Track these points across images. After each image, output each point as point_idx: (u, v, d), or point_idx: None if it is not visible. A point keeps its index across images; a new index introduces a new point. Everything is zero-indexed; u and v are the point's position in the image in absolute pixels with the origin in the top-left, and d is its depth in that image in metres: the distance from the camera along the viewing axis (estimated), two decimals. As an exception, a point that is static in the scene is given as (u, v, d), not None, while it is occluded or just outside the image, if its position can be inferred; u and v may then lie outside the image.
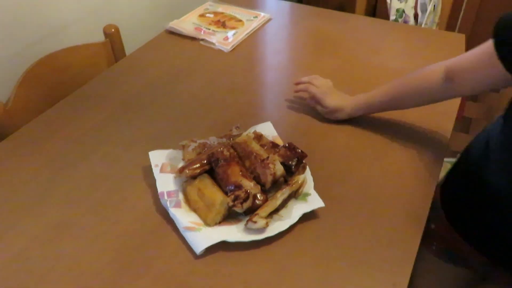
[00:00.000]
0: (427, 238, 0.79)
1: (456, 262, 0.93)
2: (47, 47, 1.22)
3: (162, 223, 0.77)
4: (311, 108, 1.03)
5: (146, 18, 1.62)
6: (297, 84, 1.06)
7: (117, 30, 1.32)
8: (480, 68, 0.75)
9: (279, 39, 1.38)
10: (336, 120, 0.99)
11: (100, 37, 1.31)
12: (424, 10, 1.77)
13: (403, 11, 1.89)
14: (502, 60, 0.68)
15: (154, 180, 0.82)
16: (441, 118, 1.00)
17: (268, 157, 0.79)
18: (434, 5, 1.71)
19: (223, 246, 0.72)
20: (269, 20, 1.43)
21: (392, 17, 1.97)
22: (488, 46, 0.72)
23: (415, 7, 1.83)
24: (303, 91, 1.04)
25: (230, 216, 0.76)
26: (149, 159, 0.85)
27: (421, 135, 0.96)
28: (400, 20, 1.93)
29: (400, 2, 1.89)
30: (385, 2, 1.98)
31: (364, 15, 2.33)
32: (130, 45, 1.34)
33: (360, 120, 0.99)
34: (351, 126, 0.98)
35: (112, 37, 1.31)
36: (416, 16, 1.86)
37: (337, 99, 0.99)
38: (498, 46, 0.69)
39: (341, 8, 2.64)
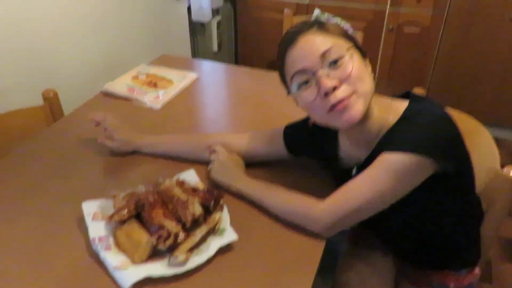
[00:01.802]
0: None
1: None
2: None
3: (94, 266, 0.85)
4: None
5: (84, 80, 1.74)
6: (92, 117, 1.18)
7: (55, 94, 1.41)
8: (271, 145, 1.11)
9: (205, 96, 1.54)
10: (126, 152, 1.17)
11: (39, 100, 1.40)
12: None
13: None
14: (286, 145, 1.08)
15: (87, 228, 0.90)
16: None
17: (188, 200, 0.90)
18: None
19: (149, 282, 0.81)
20: (197, 79, 1.60)
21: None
22: (275, 132, 1.11)
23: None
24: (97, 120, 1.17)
25: (155, 254, 0.86)
26: (82, 210, 0.94)
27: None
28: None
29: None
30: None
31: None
32: (69, 106, 1.44)
33: (272, 163, 1.13)
34: (266, 168, 1.12)
35: (51, 100, 1.40)
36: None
37: (126, 133, 1.17)
38: (285, 138, 1.09)
39: (273, 66, 2.89)
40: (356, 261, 1.12)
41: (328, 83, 0.83)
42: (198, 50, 2.63)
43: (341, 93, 0.83)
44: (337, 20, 0.92)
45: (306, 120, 0.98)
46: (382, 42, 2.63)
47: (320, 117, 0.89)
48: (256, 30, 2.92)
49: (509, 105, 2.56)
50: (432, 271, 1.06)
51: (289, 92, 0.92)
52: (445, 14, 2.41)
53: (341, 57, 0.84)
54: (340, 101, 0.83)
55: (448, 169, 0.84)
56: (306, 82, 0.87)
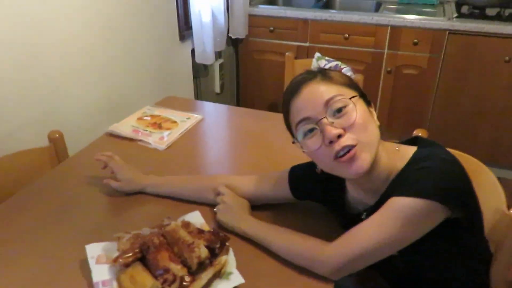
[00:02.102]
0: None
1: None
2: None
3: (97, 311, 0.84)
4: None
5: (89, 122, 1.76)
6: (98, 159, 1.20)
7: (61, 135, 1.42)
8: (276, 189, 1.10)
9: (210, 137, 1.56)
10: (131, 192, 1.17)
11: (45, 141, 1.41)
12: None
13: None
14: (291, 189, 1.07)
15: (90, 272, 0.89)
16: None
17: (193, 242, 0.90)
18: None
19: (153, 327, 0.79)
20: (201, 120, 1.62)
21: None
22: (280, 176, 1.10)
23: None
24: (104, 162, 1.19)
25: (160, 299, 0.84)
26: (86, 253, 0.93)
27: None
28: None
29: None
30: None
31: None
32: (74, 147, 1.45)
33: (278, 205, 1.13)
34: (272, 210, 1.12)
35: (56, 142, 1.41)
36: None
37: (131, 173, 1.18)
38: (290, 182, 1.07)
39: (274, 107, 2.95)
40: None
41: (333, 130, 0.83)
42: (201, 91, 2.68)
43: (345, 140, 0.83)
44: (336, 63, 0.95)
45: (311, 164, 0.99)
46: (381, 83, 2.68)
47: (326, 165, 0.90)
48: (258, 72, 2.99)
49: (508, 145, 2.58)
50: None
51: (294, 141, 0.93)
52: (442, 56, 2.47)
53: (345, 106, 0.85)
54: (345, 149, 0.83)
55: (459, 214, 0.83)
56: (311, 131, 0.88)
